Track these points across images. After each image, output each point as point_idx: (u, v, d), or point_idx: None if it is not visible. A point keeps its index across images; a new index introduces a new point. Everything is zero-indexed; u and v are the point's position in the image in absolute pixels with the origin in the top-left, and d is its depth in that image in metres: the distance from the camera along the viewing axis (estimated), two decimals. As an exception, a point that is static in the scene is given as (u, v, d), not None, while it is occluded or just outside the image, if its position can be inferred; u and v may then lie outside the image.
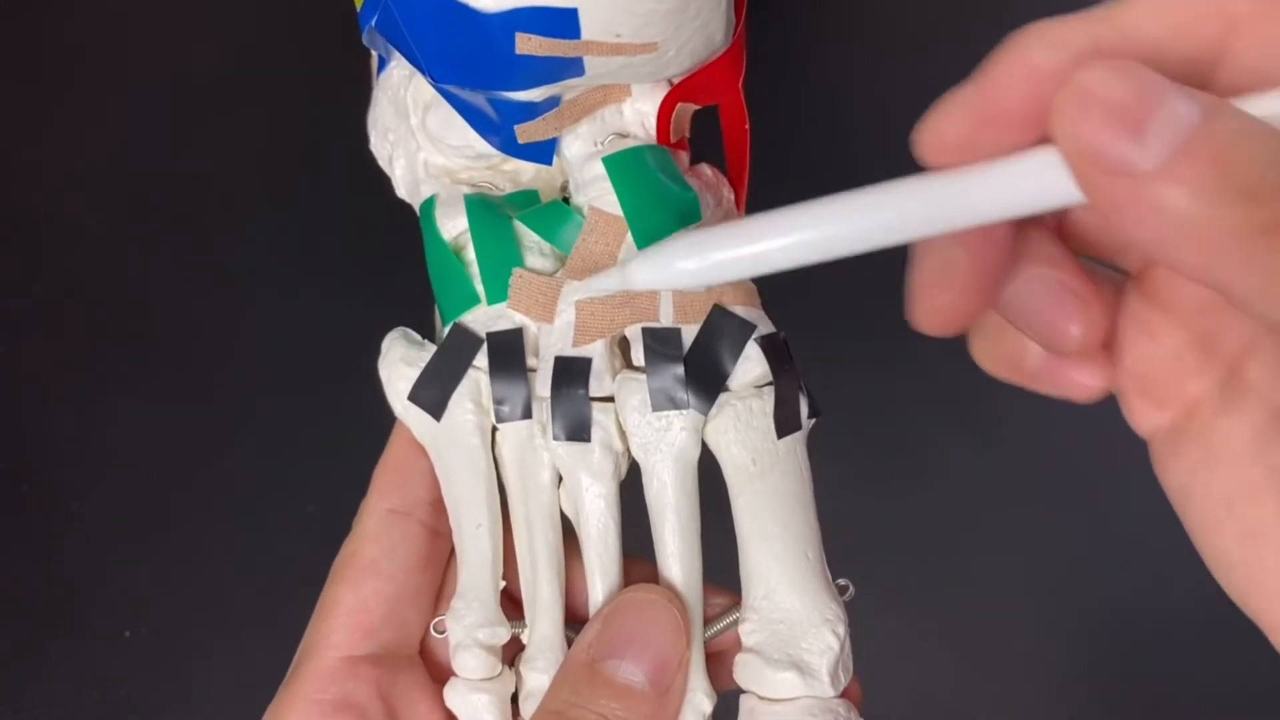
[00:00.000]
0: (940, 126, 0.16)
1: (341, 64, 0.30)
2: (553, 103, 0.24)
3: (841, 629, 0.22)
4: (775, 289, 0.24)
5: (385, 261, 0.25)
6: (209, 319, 0.44)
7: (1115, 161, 0.13)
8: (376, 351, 0.25)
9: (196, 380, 0.44)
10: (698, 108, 0.26)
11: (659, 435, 0.23)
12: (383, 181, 0.27)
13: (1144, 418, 0.18)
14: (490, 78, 0.22)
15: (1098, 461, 0.43)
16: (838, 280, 0.48)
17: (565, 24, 0.21)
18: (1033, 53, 0.15)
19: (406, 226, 0.27)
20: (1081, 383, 0.19)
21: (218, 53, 0.48)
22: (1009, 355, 0.19)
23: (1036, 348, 0.19)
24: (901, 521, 0.44)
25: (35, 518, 0.42)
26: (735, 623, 0.23)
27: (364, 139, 0.27)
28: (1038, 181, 0.15)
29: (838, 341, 0.45)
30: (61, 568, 0.41)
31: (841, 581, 0.23)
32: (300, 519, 0.42)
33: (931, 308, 0.17)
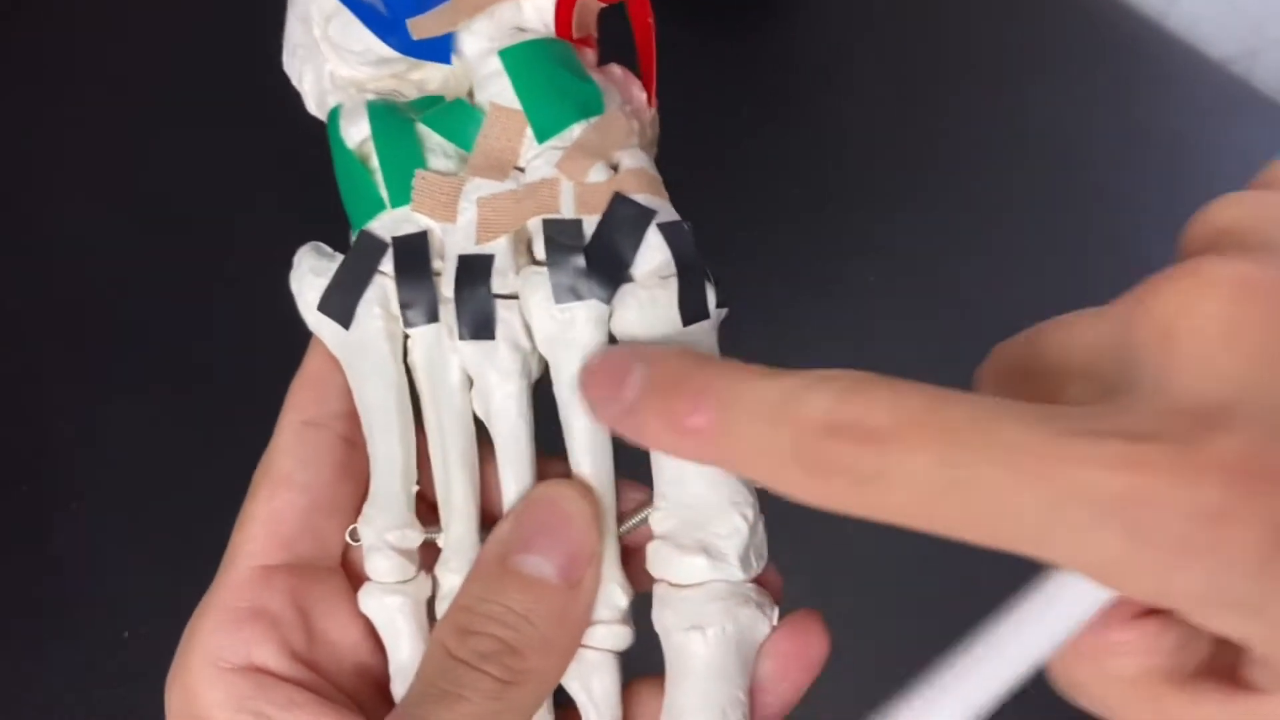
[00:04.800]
0: None
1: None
2: (444, -5, 0.23)
3: (750, 512, 0.22)
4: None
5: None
6: (209, 319, 0.44)
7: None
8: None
9: (196, 380, 0.44)
10: (603, 6, 0.26)
11: (563, 329, 0.22)
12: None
13: None
14: (372, -34, 0.22)
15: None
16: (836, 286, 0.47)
17: (438, -99, 0.20)
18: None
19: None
20: None
21: (218, 52, 0.48)
22: None
23: None
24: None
25: (35, 518, 0.42)
26: (649, 516, 0.23)
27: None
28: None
29: (840, 345, 0.44)
30: (61, 568, 0.41)
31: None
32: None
33: None
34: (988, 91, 0.54)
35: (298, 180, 0.45)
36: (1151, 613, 0.18)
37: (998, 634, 0.17)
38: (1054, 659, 0.18)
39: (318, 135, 0.28)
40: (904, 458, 0.16)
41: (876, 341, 0.46)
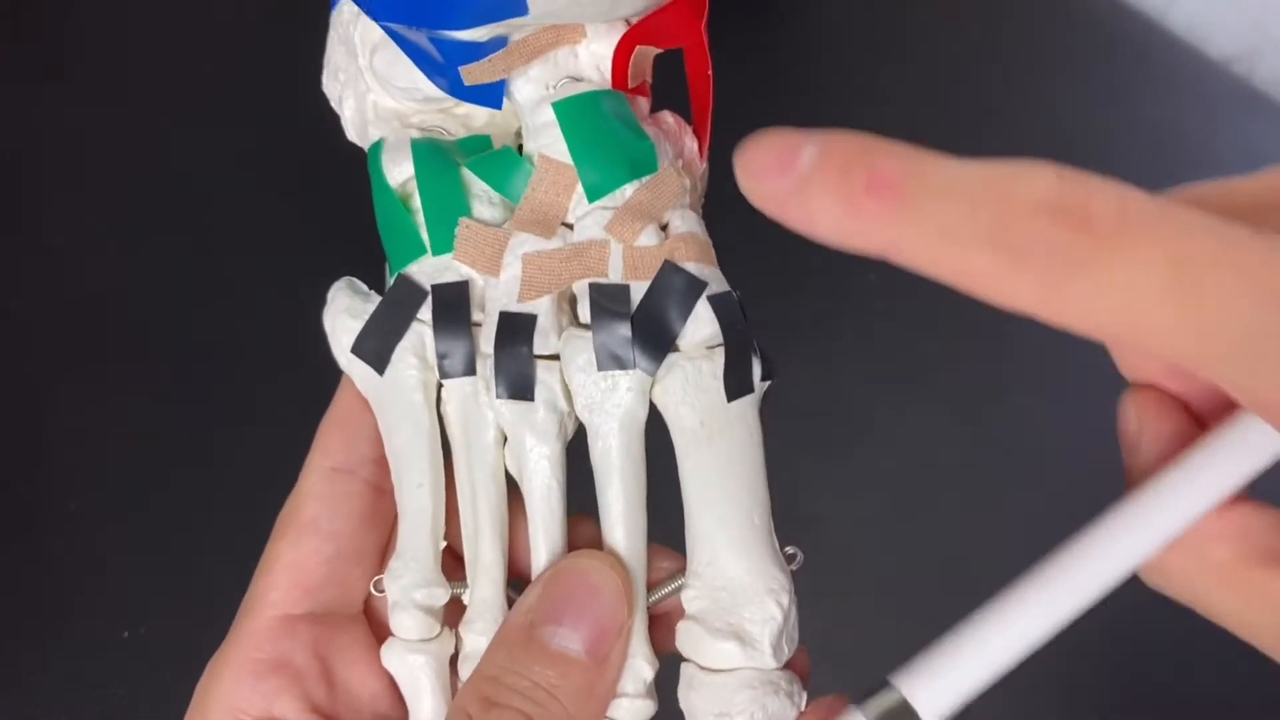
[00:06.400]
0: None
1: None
2: (499, 43, 0.22)
3: (785, 599, 0.21)
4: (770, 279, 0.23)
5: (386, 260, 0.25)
6: (208, 319, 0.44)
7: (775, 180, 0.17)
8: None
9: (196, 380, 0.43)
10: (659, 51, 0.25)
11: (605, 396, 0.22)
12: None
13: None
14: (429, 15, 0.21)
15: (1104, 458, 0.42)
16: (845, 291, 0.47)
17: (504, -42, 0.19)
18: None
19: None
20: None
21: (218, 51, 0.47)
22: None
23: None
24: (901, 520, 0.43)
25: (35, 518, 0.41)
26: (680, 588, 0.22)
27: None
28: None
29: (840, 345, 0.44)
30: (61, 568, 0.41)
31: (790, 550, 0.22)
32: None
33: None
34: (987, 91, 0.54)
35: (306, 186, 0.45)
36: (1243, 499, 0.18)
37: (1192, 464, 0.18)
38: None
39: (318, 133, 0.27)
40: (1126, 253, 0.15)
41: (876, 341, 0.46)
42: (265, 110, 0.46)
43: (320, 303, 0.26)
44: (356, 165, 0.29)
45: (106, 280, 0.44)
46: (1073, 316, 0.15)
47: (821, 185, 0.17)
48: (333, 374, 0.25)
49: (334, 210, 0.43)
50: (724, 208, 0.24)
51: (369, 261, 0.26)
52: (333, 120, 0.28)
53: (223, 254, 0.44)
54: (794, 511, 0.21)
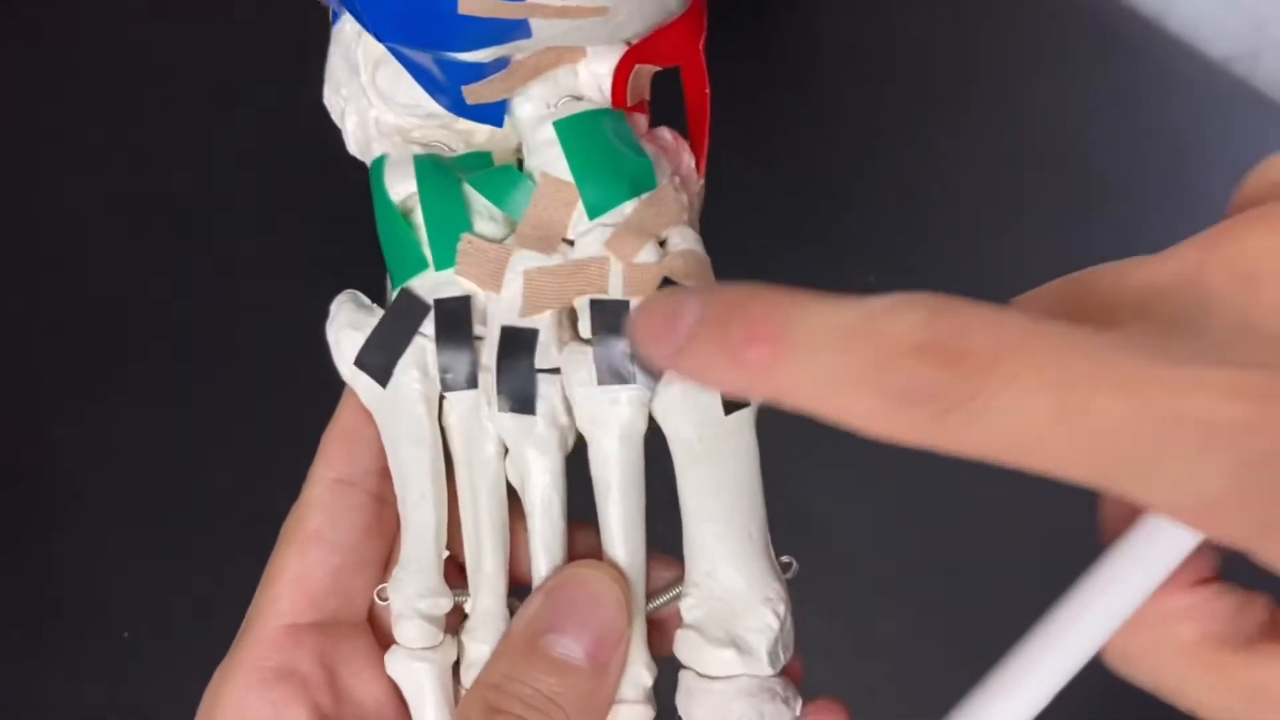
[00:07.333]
0: None
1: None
2: (501, 64, 0.23)
3: (782, 608, 0.22)
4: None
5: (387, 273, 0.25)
6: (209, 319, 0.44)
7: (663, 342, 0.18)
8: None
9: (196, 380, 0.43)
10: (658, 69, 0.25)
11: (605, 410, 0.22)
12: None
13: None
14: (433, 38, 0.21)
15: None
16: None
17: (509, -15, 0.20)
18: None
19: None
20: None
21: (219, 51, 0.47)
22: None
23: None
24: (897, 519, 0.43)
25: (35, 518, 0.41)
26: (678, 596, 0.23)
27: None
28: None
29: None
30: (61, 567, 0.41)
31: (785, 559, 0.23)
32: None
33: None
34: (987, 92, 0.53)
35: (300, 181, 0.45)
36: (1210, 580, 0.18)
37: (1095, 581, 0.17)
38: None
39: (319, 135, 0.27)
40: (1007, 384, 0.15)
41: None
42: (267, 115, 0.46)
43: (319, 308, 0.26)
44: (357, 174, 0.29)
45: (108, 282, 0.44)
46: (964, 448, 0.15)
47: (705, 344, 0.17)
48: (329, 377, 0.26)
49: (336, 217, 0.43)
50: (720, 207, 0.25)
51: (369, 271, 0.26)
52: (333, 128, 0.28)
53: (223, 258, 0.44)
54: (793, 512, 0.21)
